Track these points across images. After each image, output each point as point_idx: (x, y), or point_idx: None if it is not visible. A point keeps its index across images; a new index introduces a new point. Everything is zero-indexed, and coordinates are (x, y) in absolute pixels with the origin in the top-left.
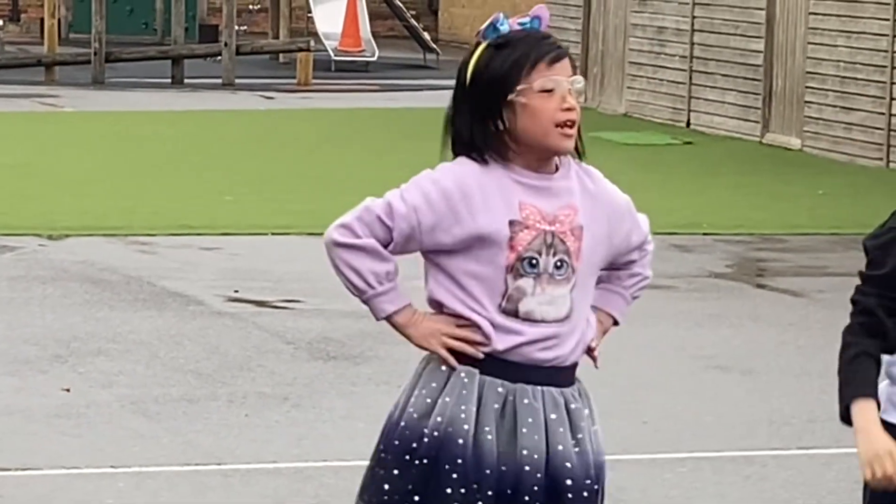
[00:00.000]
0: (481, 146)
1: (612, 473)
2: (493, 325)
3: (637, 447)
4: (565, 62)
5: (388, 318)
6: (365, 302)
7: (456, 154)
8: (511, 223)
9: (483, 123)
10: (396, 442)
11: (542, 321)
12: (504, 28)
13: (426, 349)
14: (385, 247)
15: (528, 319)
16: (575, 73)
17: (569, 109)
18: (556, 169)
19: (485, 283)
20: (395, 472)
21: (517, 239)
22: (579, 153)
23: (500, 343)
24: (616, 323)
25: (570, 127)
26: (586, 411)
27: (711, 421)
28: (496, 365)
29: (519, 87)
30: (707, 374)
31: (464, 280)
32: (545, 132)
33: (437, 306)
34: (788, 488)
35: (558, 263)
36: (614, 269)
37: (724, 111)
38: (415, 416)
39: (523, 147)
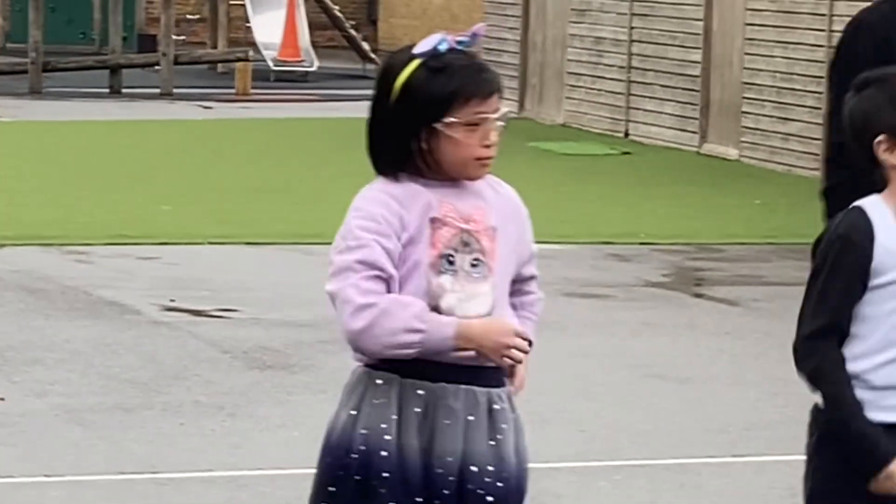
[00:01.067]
0: (399, 162)
1: (547, 481)
2: None
3: (573, 455)
4: (494, 97)
5: (456, 338)
6: (425, 344)
7: (377, 168)
8: (432, 220)
9: (404, 141)
10: (329, 460)
11: (464, 317)
12: (443, 47)
13: (497, 360)
14: (388, 283)
15: (450, 315)
16: (499, 106)
17: (488, 146)
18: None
19: (411, 282)
20: (333, 489)
21: (437, 236)
22: None
23: None
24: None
25: (489, 160)
26: (513, 416)
27: (647, 429)
28: (416, 367)
29: (448, 119)
30: (643, 383)
31: (404, 279)
32: (464, 164)
33: None
34: (723, 496)
35: (474, 262)
36: (517, 287)
37: (662, 122)
38: (343, 431)
39: (438, 169)
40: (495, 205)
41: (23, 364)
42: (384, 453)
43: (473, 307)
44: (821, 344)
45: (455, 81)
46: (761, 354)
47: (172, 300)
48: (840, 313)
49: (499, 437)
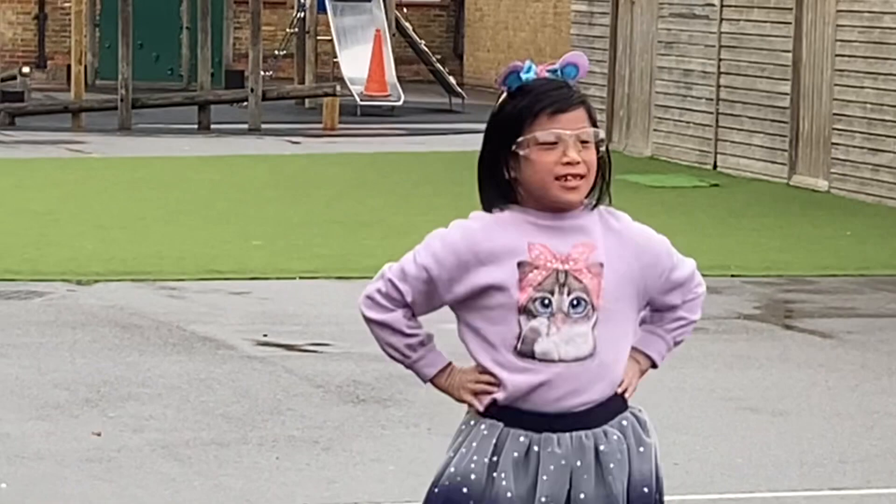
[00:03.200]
0: (495, 192)
1: None
2: (509, 367)
3: (668, 489)
4: (574, 113)
5: (431, 382)
6: (409, 368)
7: (482, 199)
8: (520, 264)
9: (495, 170)
10: (425, 501)
11: (561, 360)
12: (529, 76)
13: (462, 402)
14: (409, 308)
15: (546, 360)
16: (594, 124)
17: (570, 163)
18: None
19: (498, 327)
20: None
21: (527, 279)
22: (599, 198)
23: (519, 384)
24: (654, 365)
25: (574, 180)
26: (623, 447)
27: (742, 462)
28: (520, 416)
29: (520, 140)
30: (737, 416)
31: (479, 324)
32: (545, 185)
33: (467, 350)
34: None
35: (574, 302)
36: (657, 310)
37: (751, 153)
38: (439, 470)
39: (531, 195)
40: (609, 240)
41: (118, 400)
42: (465, 490)
43: (573, 349)
44: None
45: (524, 101)
46: (856, 387)
47: (265, 335)
48: None
49: (609, 478)
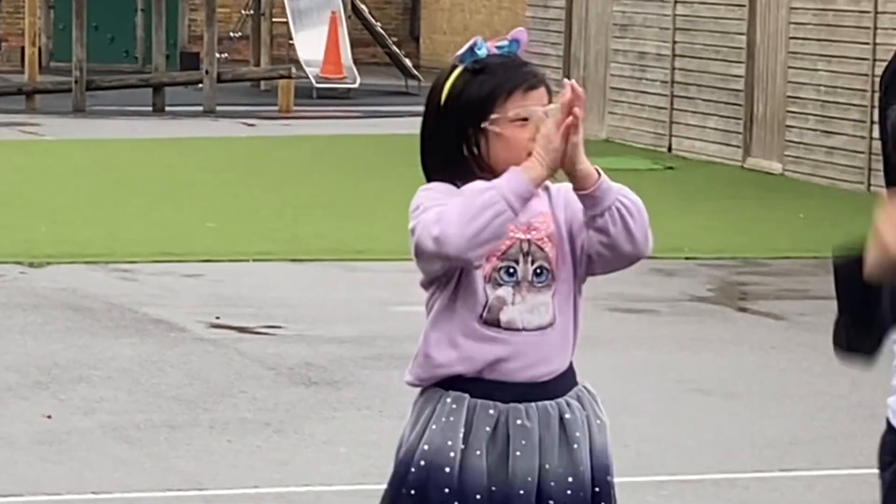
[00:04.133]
0: (452, 171)
1: None
2: (475, 337)
3: (619, 470)
4: (541, 90)
5: (526, 173)
6: (512, 198)
7: (429, 179)
8: None
9: (455, 148)
10: (392, 475)
11: (525, 329)
12: (482, 52)
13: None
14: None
15: (511, 328)
16: (551, 102)
17: None
18: None
19: (464, 296)
20: None
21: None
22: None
23: (485, 354)
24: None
25: None
26: (583, 416)
27: (693, 444)
28: (486, 387)
29: (493, 116)
30: (689, 398)
31: (445, 293)
32: (518, 162)
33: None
34: None
35: (538, 270)
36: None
37: (706, 136)
38: (409, 447)
39: (493, 173)
40: (559, 209)
41: (69, 382)
42: (447, 469)
43: (536, 318)
44: None
45: (495, 78)
46: (807, 369)
47: (217, 317)
48: None
49: (574, 446)
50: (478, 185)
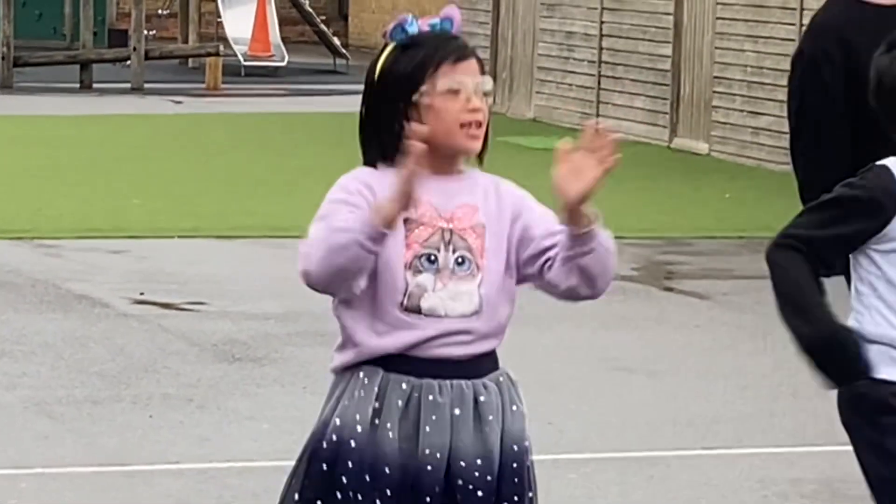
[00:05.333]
0: (387, 146)
1: None
2: (395, 324)
3: (542, 448)
4: (471, 63)
5: (377, 214)
6: (365, 238)
7: (366, 159)
8: (406, 220)
9: (389, 124)
10: (304, 451)
11: (447, 316)
12: (412, 29)
13: (402, 196)
14: None
15: (432, 315)
16: (483, 75)
17: (474, 110)
18: (460, 172)
19: (383, 283)
20: (305, 480)
21: (413, 236)
22: (480, 158)
23: (404, 339)
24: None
25: (477, 127)
26: (498, 401)
27: (616, 422)
28: (401, 361)
29: (423, 88)
30: (612, 376)
31: (374, 276)
32: (449, 132)
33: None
34: (693, 488)
35: (459, 259)
36: (547, 256)
37: (633, 116)
38: (322, 422)
39: (428, 148)
40: (489, 202)
41: None
42: (353, 443)
43: (459, 306)
44: (795, 249)
45: (423, 51)
46: (730, 347)
47: (142, 293)
48: (827, 251)
49: (486, 429)
50: (337, 222)
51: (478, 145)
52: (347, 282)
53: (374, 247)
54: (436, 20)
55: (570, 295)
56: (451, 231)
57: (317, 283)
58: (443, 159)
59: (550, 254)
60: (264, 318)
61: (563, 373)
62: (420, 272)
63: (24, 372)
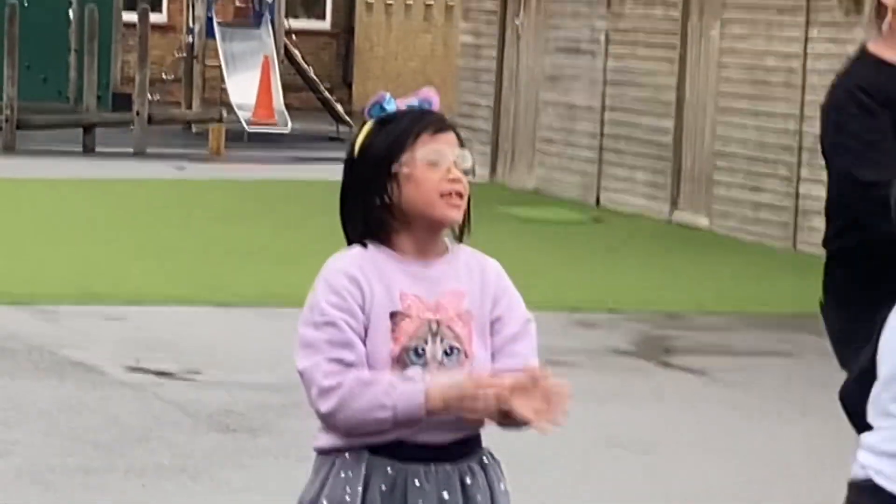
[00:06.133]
0: (367, 222)
1: None
2: None
3: None
4: (450, 135)
5: (428, 405)
6: (402, 421)
7: (348, 237)
8: (392, 315)
9: (369, 198)
10: None
11: None
12: (390, 107)
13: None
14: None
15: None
16: (461, 147)
17: (454, 180)
18: (445, 251)
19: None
20: None
21: (399, 329)
22: (461, 232)
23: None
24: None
25: (459, 198)
26: (485, 482)
27: (610, 499)
28: (384, 447)
29: (402, 158)
30: (607, 452)
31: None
32: (430, 202)
33: None
34: None
35: (448, 350)
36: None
37: (634, 189)
38: (309, 500)
39: (409, 221)
40: (473, 287)
41: None
42: None
43: None
44: None
45: (402, 123)
46: (726, 425)
47: (137, 361)
48: None
49: None
50: (379, 396)
51: (459, 215)
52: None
53: (405, 423)
54: (414, 101)
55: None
56: (438, 322)
57: (338, 429)
58: (425, 235)
59: (497, 366)
60: (260, 389)
61: (558, 448)
62: (408, 366)
63: (18, 439)
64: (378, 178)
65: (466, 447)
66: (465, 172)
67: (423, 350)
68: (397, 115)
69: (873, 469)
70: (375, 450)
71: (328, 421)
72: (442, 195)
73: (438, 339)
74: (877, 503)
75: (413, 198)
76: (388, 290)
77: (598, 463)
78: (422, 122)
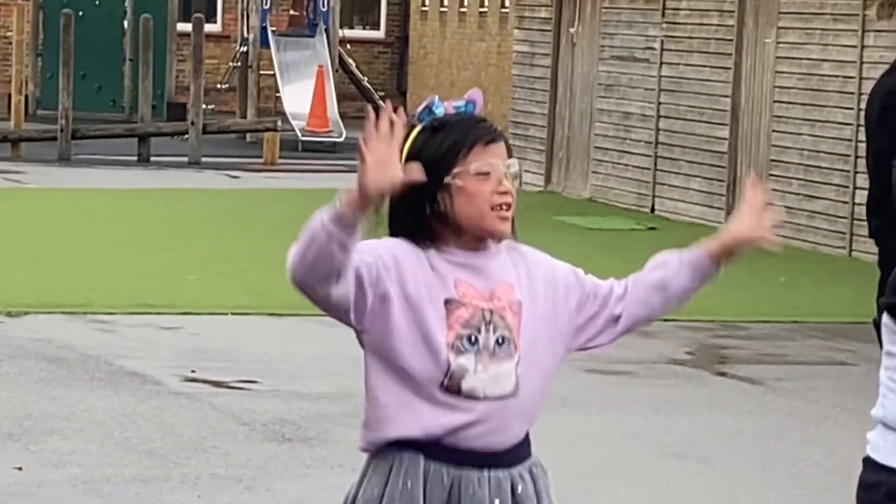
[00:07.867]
0: (417, 229)
1: None
2: (433, 402)
3: None
4: (500, 145)
5: (342, 206)
6: (332, 225)
7: (392, 235)
8: (447, 301)
9: (419, 206)
10: None
11: (486, 398)
12: (439, 111)
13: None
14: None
15: (471, 397)
16: (510, 157)
17: (504, 192)
18: (489, 247)
19: (426, 361)
20: None
21: (454, 316)
22: (514, 234)
23: (443, 422)
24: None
25: (506, 210)
26: (533, 491)
27: None
28: (440, 450)
29: (455, 170)
30: (663, 462)
31: (402, 358)
32: (481, 215)
33: (371, 390)
34: None
35: (500, 340)
36: (610, 310)
37: (689, 197)
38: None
39: (458, 230)
40: (522, 279)
41: (41, 434)
42: None
43: (498, 387)
44: None
45: (455, 134)
46: (783, 434)
47: (193, 371)
48: None
49: None
50: (305, 229)
51: (508, 228)
52: (317, 270)
53: (335, 228)
54: (461, 102)
55: (647, 321)
56: (492, 311)
57: (294, 275)
58: (473, 243)
59: (618, 306)
60: (315, 398)
61: (614, 459)
62: (462, 353)
63: (74, 450)
64: (429, 188)
65: (518, 453)
66: (514, 178)
67: (477, 338)
68: (448, 124)
69: (870, 444)
70: (430, 454)
71: (289, 274)
72: (493, 207)
73: (492, 329)
74: (867, 475)
75: (464, 210)
76: (441, 277)
77: (654, 472)
78: (474, 132)
